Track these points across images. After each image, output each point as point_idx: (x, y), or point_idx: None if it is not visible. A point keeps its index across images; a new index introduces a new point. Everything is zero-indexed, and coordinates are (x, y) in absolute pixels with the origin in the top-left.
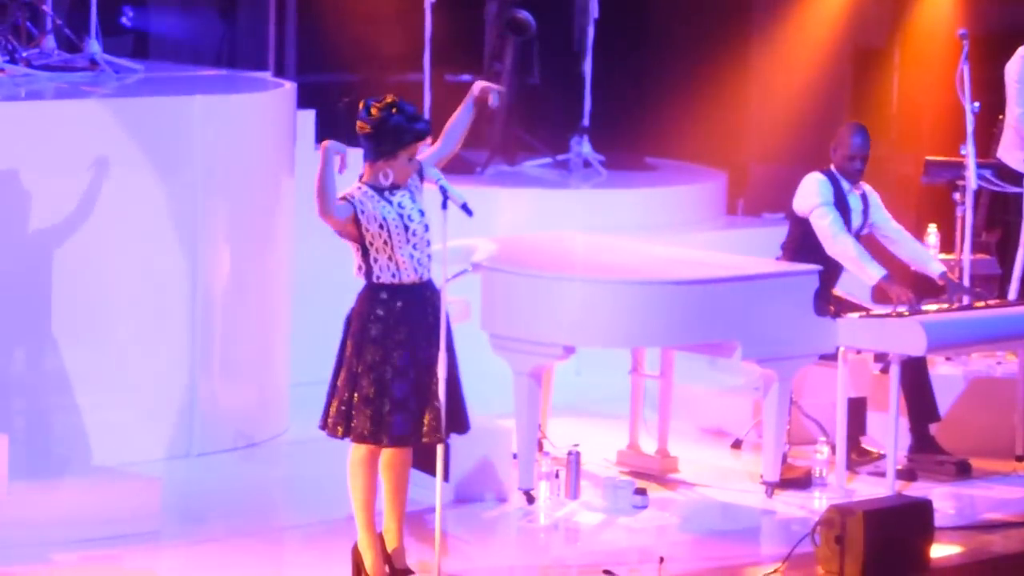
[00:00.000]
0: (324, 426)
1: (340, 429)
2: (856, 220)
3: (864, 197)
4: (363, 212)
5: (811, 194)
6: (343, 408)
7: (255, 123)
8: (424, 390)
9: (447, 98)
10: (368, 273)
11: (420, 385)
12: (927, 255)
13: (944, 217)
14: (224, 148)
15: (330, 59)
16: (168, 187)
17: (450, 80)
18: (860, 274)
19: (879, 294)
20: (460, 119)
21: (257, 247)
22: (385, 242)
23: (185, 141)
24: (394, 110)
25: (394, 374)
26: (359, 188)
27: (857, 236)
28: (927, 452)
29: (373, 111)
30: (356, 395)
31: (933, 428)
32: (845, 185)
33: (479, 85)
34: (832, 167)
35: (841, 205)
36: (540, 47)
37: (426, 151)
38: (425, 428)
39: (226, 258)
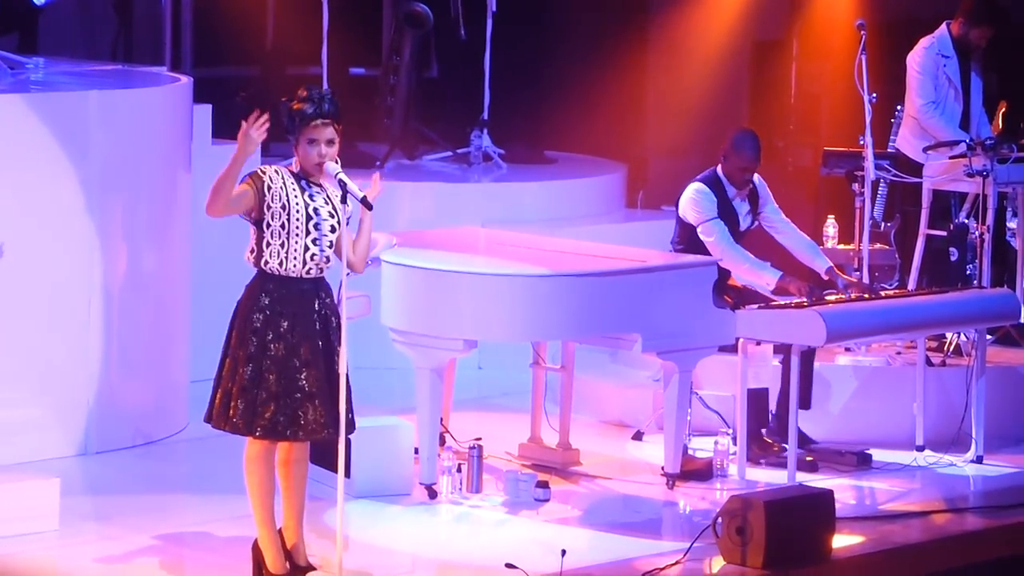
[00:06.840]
0: (209, 419)
1: (223, 421)
2: (744, 222)
3: (752, 195)
4: (270, 188)
5: (692, 211)
6: (225, 399)
7: (151, 118)
8: (302, 384)
9: (347, 91)
10: (258, 257)
11: (297, 379)
12: (814, 250)
13: (843, 208)
14: (120, 143)
15: (227, 53)
16: (64, 183)
17: (352, 73)
18: (758, 281)
19: (780, 290)
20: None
21: (154, 243)
22: (282, 225)
23: (81, 137)
24: (290, 99)
25: (270, 365)
26: (278, 168)
27: (747, 230)
28: (782, 437)
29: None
30: (234, 385)
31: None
32: (731, 190)
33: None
34: (719, 170)
35: (726, 212)
36: (438, 41)
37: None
38: (303, 423)
39: (123, 254)
